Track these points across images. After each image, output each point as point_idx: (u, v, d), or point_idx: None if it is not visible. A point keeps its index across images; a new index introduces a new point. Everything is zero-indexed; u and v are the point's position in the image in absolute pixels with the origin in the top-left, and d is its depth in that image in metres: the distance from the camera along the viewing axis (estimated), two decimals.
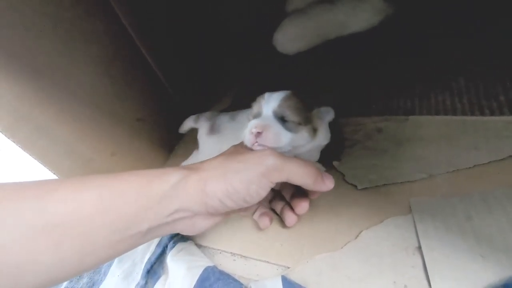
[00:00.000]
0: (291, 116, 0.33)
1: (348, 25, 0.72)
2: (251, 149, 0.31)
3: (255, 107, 0.36)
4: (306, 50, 0.76)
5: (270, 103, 0.34)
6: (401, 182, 0.40)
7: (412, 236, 0.34)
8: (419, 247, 0.33)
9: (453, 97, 0.48)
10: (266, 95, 0.36)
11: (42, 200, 0.20)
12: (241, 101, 0.56)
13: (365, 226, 0.37)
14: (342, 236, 0.37)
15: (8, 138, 0.40)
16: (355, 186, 0.42)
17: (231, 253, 0.42)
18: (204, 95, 0.75)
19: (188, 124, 0.55)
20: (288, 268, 0.37)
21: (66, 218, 0.20)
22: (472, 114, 0.44)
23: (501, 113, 0.42)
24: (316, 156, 0.43)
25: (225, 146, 0.35)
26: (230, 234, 0.44)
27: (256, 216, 0.41)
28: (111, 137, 0.52)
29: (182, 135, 0.68)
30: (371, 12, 0.70)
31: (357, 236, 0.36)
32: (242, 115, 0.46)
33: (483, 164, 0.37)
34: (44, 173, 0.44)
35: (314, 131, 0.36)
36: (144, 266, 0.42)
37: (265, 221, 0.37)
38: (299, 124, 0.34)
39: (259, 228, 0.43)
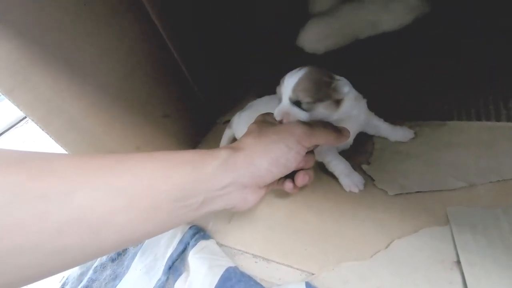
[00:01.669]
0: (304, 98, 0.36)
1: (379, 25, 0.69)
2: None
3: (278, 91, 0.39)
4: (335, 49, 0.74)
5: (286, 89, 0.37)
6: (437, 191, 0.37)
7: (450, 248, 0.32)
8: (458, 262, 0.30)
9: (497, 101, 0.44)
10: (285, 78, 0.38)
11: (114, 168, 0.23)
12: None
13: (396, 235, 0.35)
14: (371, 244, 0.35)
15: (42, 129, 0.41)
16: (386, 192, 0.40)
17: (252, 254, 0.41)
18: (228, 94, 0.75)
19: (228, 134, 0.58)
20: (313, 274, 0.35)
21: (135, 183, 0.23)
22: None
23: None
24: (352, 127, 0.41)
25: (255, 115, 0.41)
26: (252, 235, 0.43)
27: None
28: (137, 131, 0.53)
29: (206, 132, 0.69)
30: (403, 11, 0.67)
31: (388, 245, 0.34)
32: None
33: None
34: None
35: (338, 102, 0.38)
36: (166, 262, 0.42)
37: (288, 184, 0.37)
38: (314, 102, 0.36)
39: (281, 230, 0.42)
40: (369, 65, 0.63)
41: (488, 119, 0.43)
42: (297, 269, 0.37)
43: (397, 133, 0.45)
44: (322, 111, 0.37)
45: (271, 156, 0.29)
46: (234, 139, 0.58)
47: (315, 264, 0.36)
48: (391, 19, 0.67)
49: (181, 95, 0.61)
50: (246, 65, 0.83)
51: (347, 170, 0.42)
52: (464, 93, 0.48)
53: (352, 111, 0.40)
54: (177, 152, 0.27)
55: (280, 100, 0.38)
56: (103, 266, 0.47)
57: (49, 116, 0.41)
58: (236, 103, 0.72)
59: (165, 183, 0.24)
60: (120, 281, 0.44)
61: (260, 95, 0.72)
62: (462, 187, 0.36)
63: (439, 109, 0.47)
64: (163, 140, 0.58)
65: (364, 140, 0.47)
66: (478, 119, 0.43)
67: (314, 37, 0.75)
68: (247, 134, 0.32)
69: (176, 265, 0.42)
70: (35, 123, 0.41)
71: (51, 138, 0.43)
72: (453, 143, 0.42)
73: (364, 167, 0.44)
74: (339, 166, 0.43)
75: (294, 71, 0.38)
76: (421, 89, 0.52)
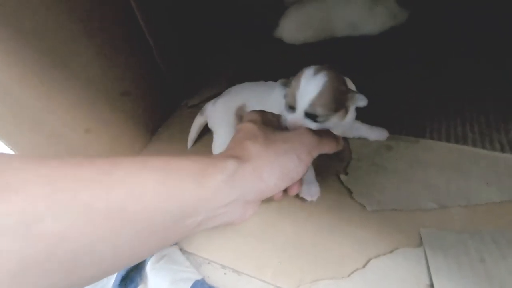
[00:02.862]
0: (322, 112, 0.34)
1: (360, 26, 0.68)
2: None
3: (289, 95, 0.36)
4: (311, 43, 0.71)
5: (303, 99, 0.34)
6: (411, 210, 0.38)
7: (423, 271, 0.33)
8: (431, 285, 0.31)
9: (465, 125, 0.47)
10: (302, 84, 0.34)
11: (101, 181, 0.17)
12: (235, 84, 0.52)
13: (373, 253, 0.35)
14: (348, 262, 0.35)
15: None
16: (363, 206, 0.39)
17: (221, 265, 0.38)
18: (196, 76, 0.67)
19: (197, 123, 0.52)
20: None
21: (127, 203, 0.18)
22: (483, 146, 0.43)
23: None
24: (340, 131, 0.42)
25: (232, 104, 0.46)
26: (221, 243, 0.40)
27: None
28: (88, 110, 0.44)
29: (168, 116, 0.61)
30: (385, 16, 0.67)
31: (366, 264, 0.34)
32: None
33: (495, 202, 0.37)
34: None
35: (346, 111, 0.37)
36: (118, 272, 0.36)
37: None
38: (330, 115, 0.35)
39: (254, 239, 0.39)
40: (345, 68, 0.62)
41: (456, 141, 0.45)
42: (271, 284, 0.35)
43: (375, 133, 0.47)
44: (335, 121, 0.35)
45: (281, 170, 0.26)
46: (205, 127, 0.52)
47: (290, 279, 0.35)
48: (372, 23, 0.67)
49: (145, 71, 0.53)
50: (217, 48, 0.75)
51: (310, 178, 0.42)
52: (435, 112, 0.49)
53: (349, 121, 0.39)
54: (177, 160, 0.22)
55: (290, 107, 0.35)
56: None
57: None
58: (204, 87, 0.65)
59: (164, 202, 0.19)
60: None
61: (230, 80, 0.66)
62: (435, 208, 0.37)
63: (413, 125, 0.48)
64: (118, 123, 0.49)
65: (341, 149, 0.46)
66: (447, 140, 0.45)
67: (293, 25, 0.71)
68: (251, 138, 0.27)
69: (131, 276, 0.36)
70: None
71: None
72: (426, 162, 0.43)
73: (342, 177, 0.43)
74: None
75: (310, 74, 0.34)
76: (395, 102, 0.53)
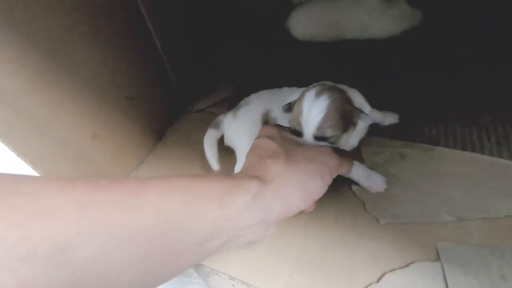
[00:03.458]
0: (331, 134, 0.33)
1: (371, 28, 0.67)
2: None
3: (293, 120, 0.34)
4: (319, 42, 0.70)
5: (309, 124, 0.33)
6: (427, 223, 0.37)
7: (440, 287, 0.31)
8: None
9: (481, 133, 0.45)
10: (304, 109, 0.33)
11: (128, 206, 0.17)
12: (243, 92, 0.50)
13: (388, 267, 0.34)
14: (362, 275, 0.33)
15: None
16: (376, 219, 0.38)
17: (229, 276, 0.36)
18: (203, 80, 0.66)
19: (210, 139, 0.47)
20: None
21: (155, 226, 0.18)
22: (501, 155, 0.42)
23: None
24: (356, 139, 0.43)
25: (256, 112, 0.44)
26: (230, 253, 0.38)
27: None
28: (94, 115, 0.43)
29: (174, 120, 0.60)
30: (398, 19, 0.66)
31: (380, 278, 0.33)
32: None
33: None
34: (3, 153, 0.34)
35: (355, 127, 0.36)
36: None
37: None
38: (340, 135, 0.34)
39: (263, 250, 0.38)
40: (357, 73, 0.61)
41: (473, 150, 0.43)
42: None
43: (388, 118, 0.48)
44: (346, 139, 0.34)
45: (304, 191, 0.26)
46: (222, 143, 0.48)
47: None
48: (383, 25, 0.66)
49: (151, 75, 0.52)
50: (224, 52, 0.74)
51: (366, 172, 0.41)
52: (450, 119, 0.48)
53: (357, 135, 0.39)
54: (201, 180, 0.22)
55: (297, 131, 0.34)
56: None
57: None
58: (210, 91, 0.64)
59: (189, 224, 0.19)
60: None
61: (239, 85, 0.66)
62: (452, 221, 0.36)
63: (427, 132, 0.47)
64: (125, 127, 0.48)
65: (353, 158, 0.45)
66: (464, 148, 0.44)
67: (304, 19, 0.70)
68: (272, 157, 0.26)
69: None
70: None
71: None
72: (442, 172, 0.41)
73: (354, 188, 0.42)
74: (357, 170, 0.40)
75: (311, 98, 0.33)
76: (408, 108, 0.51)
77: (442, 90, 0.53)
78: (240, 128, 0.45)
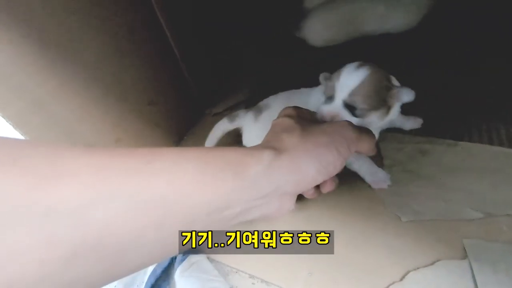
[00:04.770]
0: (361, 104, 0.33)
1: (387, 21, 0.66)
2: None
3: (327, 85, 0.35)
4: (338, 45, 0.70)
5: (343, 89, 0.33)
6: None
7: (469, 285, 0.30)
8: None
9: (507, 126, 0.43)
10: (342, 75, 0.34)
11: (143, 172, 0.17)
12: (260, 94, 0.50)
13: (411, 265, 0.33)
14: (384, 274, 0.33)
15: None
16: (398, 216, 0.37)
17: (249, 274, 0.37)
18: (220, 84, 0.68)
19: (221, 128, 0.49)
20: None
21: (169, 192, 0.18)
22: None
23: None
24: (378, 129, 0.41)
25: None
26: (249, 252, 0.39)
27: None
28: (118, 120, 0.45)
29: (193, 124, 0.62)
30: (414, 9, 0.64)
31: (403, 277, 0.32)
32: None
33: None
34: None
35: (388, 109, 0.35)
36: (148, 279, 0.36)
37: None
38: (370, 110, 0.34)
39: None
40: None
41: (501, 144, 0.41)
42: None
43: (409, 122, 0.46)
44: (374, 119, 0.34)
45: (320, 162, 0.24)
46: (233, 136, 0.49)
47: None
48: (400, 16, 0.65)
49: (171, 80, 0.54)
50: (240, 57, 0.76)
51: (373, 168, 0.41)
52: (474, 112, 0.46)
53: (391, 118, 0.38)
54: (214, 151, 0.22)
55: (328, 96, 0.34)
56: None
57: (8, 96, 0.33)
58: (227, 95, 0.65)
59: (202, 193, 0.19)
60: None
61: (254, 88, 0.66)
62: (480, 218, 0.35)
63: (450, 127, 0.45)
64: (146, 131, 0.50)
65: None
66: (490, 142, 0.42)
67: (320, 26, 0.69)
68: (288, 131, 0.26)
69: (159, 284, 0.36)
70: None
71: (8, 123, 0.34)
72: (467, 168, 0.40)
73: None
74: (364, 166, 0.40)
75: (352, 67, 0.34)
76: (431, 104, 0.50)
77: (463, 83, 0.51)
78: (262, 133, 0.45)
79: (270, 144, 0.25)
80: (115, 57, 0.43)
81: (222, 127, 0.49)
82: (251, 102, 0.54)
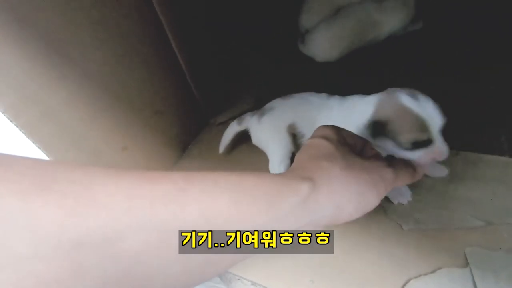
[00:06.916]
0: None
1: (383, 26, 0.68)
2: (359, 140, 0.30)
3: (410, 130, 0.32)
4: (343, 57, 0.71)
5: (437, 124, 0.32)
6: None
7: None
8: None
9: (509, 135, 0.43)
10: (430, 110, 0.32)
11: (175, 200, 0.17)
12: (264, 103, 0.52)
13: (413, 273, 0.33)
14: (385, 282, 0.33)
15: (11, 120, 0.34)
16: (399, 224, 0.37)
17: (251, 282, 0.37)
18: (224, 94, 0.69)
19: (231, 131, 0.53)
20: None
21: (199, 223, 0.17)
22: None
23: None
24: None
25: (280, 123, 0.44)
26: (252, 259, 0.38)
27: None
28: (124, 129, 0.46)
29: (197, 133, 0.63)
30: (402, 8, 0.67)
31: (404, 285, 0.32)
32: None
33: None
34: None
35: None
36: None
37: None
38: None
39: (285, 255, 0.38)
40: (374, 79, 0.61)
41: (501, 154, 0.42)
42: None
43: (437, 170, 0.42)
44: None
45: (359, 202, 0.24)
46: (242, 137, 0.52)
47: None
48: (392, 19, 0.67)
49: (176, 90, 0.55)
50: (245, 66, 0.77)
51: None
52: (476, 122, 0.46)
53: None
54: (249, 178, 0.21)
55: (419, 143, 0.32)
56: None
57: (21, 105, 0.34)
58: (232, 105, 0.67)
59: (235, 223, 0.18)
60: None
61: (259, 98, 0.68)
62: (481, 226, 0.35)
63: (451, 137, 0.46)
64: (152, 140, 0.51)
65: None
66: (491, 152, 0.42)
67: (327, 44, 0.70)
68: (328, 159, 0.25)
69: None
70: (1, 112, 0.33)
71: (20, 132, 0.35)
72: (468, 177, 0.40)
73: None
74: None
75: (425, 98, 0.33)
76: None
77: (465, 92, 0.52)
78: (264, 134, 0.48)
79: (307, 172, 0.23)
80: (123, 69, 0.45)
81: (233, 129, 0.53)
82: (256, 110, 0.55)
